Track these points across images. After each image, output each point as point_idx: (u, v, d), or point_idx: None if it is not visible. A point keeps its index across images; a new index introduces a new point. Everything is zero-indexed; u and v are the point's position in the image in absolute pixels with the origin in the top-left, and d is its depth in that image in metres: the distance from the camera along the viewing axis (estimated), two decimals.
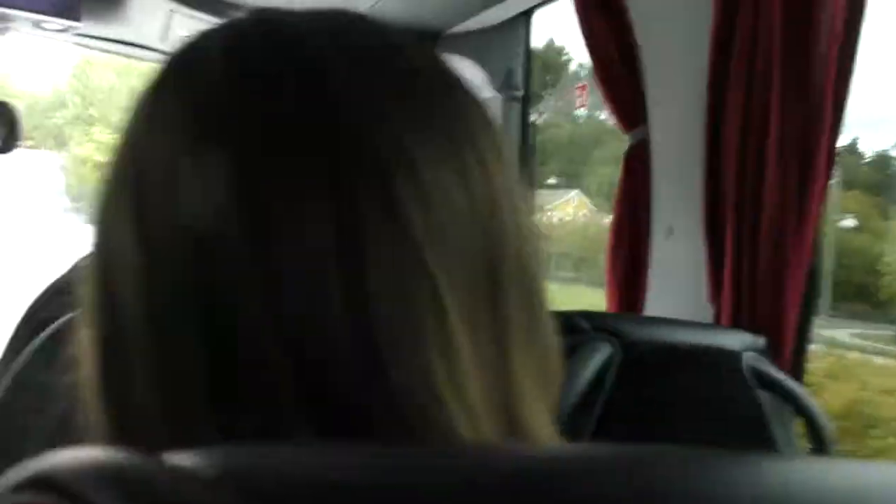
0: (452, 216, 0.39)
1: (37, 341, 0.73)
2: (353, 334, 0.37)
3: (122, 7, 1.80)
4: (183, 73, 0.43)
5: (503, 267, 0.41)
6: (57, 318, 0.73)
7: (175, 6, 1.62)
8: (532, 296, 0.43)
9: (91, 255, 0.43)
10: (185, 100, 0.41)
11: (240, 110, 0.39)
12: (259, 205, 0.37)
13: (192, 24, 1.72)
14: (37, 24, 1.80)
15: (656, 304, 1.46)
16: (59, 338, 0.69)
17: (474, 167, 0.41)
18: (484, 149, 0.42)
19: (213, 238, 0.37)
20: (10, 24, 1.80)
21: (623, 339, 1.07)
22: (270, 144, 0.38)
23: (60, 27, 1.80)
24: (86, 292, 0.43)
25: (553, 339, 0.44)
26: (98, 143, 59.18)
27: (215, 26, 0.45)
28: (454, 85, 0.43)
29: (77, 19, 1.75)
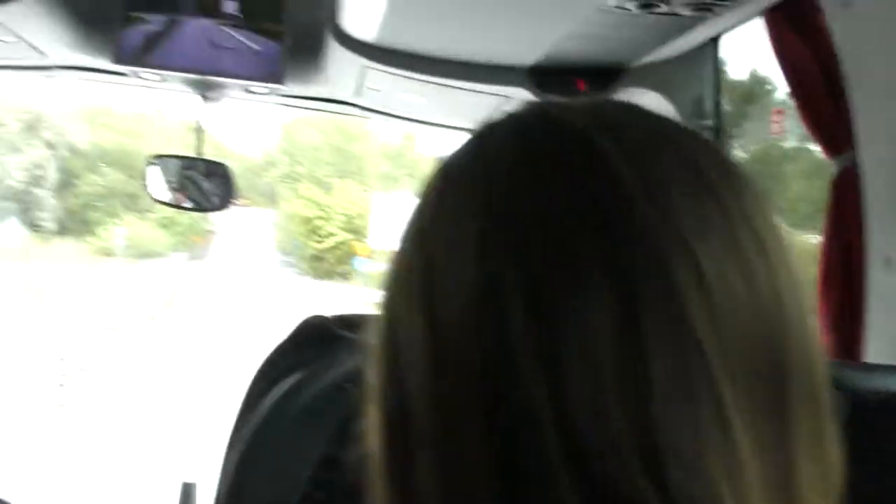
0: (733, 308, 0.39)
1: (274, 397, 0.77)
2: (632, 427, 0.37)
3: (319, 67, 1.94)
4: (470, 163, 0.45)
5: (786, 359, 0.40)
6: (293, 372, 0.77)
7: (367, 62, 1.72)
8: (817, 394, 0.42)
9: (379, 335, 0.45)
10: (472, 190, 0.43)
11: (527, 201, 0.41)
12: (542, 291, 0.38)
13: (383, 78, 1.81)
14: (246, 90, 1.98)
15: (878, 347, 1.34)
16: (296, 396, 0.75)
17: (755, 257, 0.41)
18: (764, 236, 0.42)
19: (498, 323, 0.38)
20: (223, 92, 1.98)
21: (846, 392, 0.97)
22: (555, 234, 0.39)
23: (266, 90, 1.98)
24: (373, 372, 0.45)
25: (836, 448, 0.43)
26: (305, 200, 62.91)
27: (500, 118, 0.47)
28: (733, 174, 0.44)
29: (280, 82, 1.91)
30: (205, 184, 2.07)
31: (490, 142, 0.46)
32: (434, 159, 0.49)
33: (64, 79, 2.08)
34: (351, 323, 0.81)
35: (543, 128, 0.44)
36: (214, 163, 2.13)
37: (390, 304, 0.46)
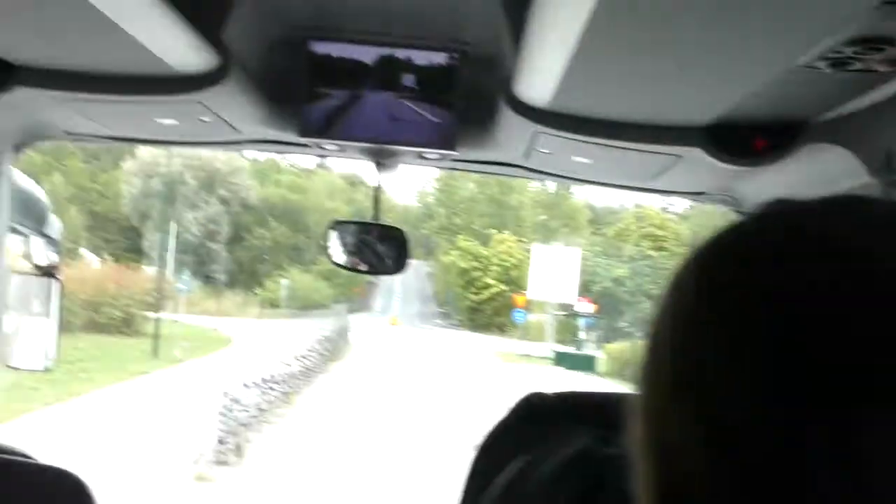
0: None
1: (506, 477, 0.78)
2: None
3: (490, 132, 1.98)
4: (737, 275, 0.45)
5: None
6: (519, 452, 0.79)
7: (539, 127, 1.74)
8: None
9: (641, 432, 0.47)
10: (747, 304, 0.43)
11: (783, 315, 0.41)
12: (794, 409, 0.39)
13: (552, 141, 1.84)
14: (419, 156, 2.05)
15: None
16: (527, 478, 0.76)
17: None
18: None
19: (791, 429, 0.39)
20: (398, 159, 2.07)
21: None
22: (816, 346, 0.40)
23: (439, 157, 2.04)
24: (638, 470, 0.46)
25: None
26: (462, 251, 63.96)
27: (740, 222, 0.48)
28: None
29: (453, 148, 1.97)
30: (380, 248, 2.12)
31: (737, 251, 0.46)
32: (685, 252, 0.49)
33: (253, 150, 2.20)
34: (571, 401, 0.83)
35: (813, 249, 0.43)
36: (390, 227, 2.19)
37: (651, 404, 0.46)
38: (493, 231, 66.46)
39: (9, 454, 1.35)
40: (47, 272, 2.24)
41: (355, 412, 19.67)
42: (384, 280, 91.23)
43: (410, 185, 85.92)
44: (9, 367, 2.20)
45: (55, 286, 2.23)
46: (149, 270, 41.35)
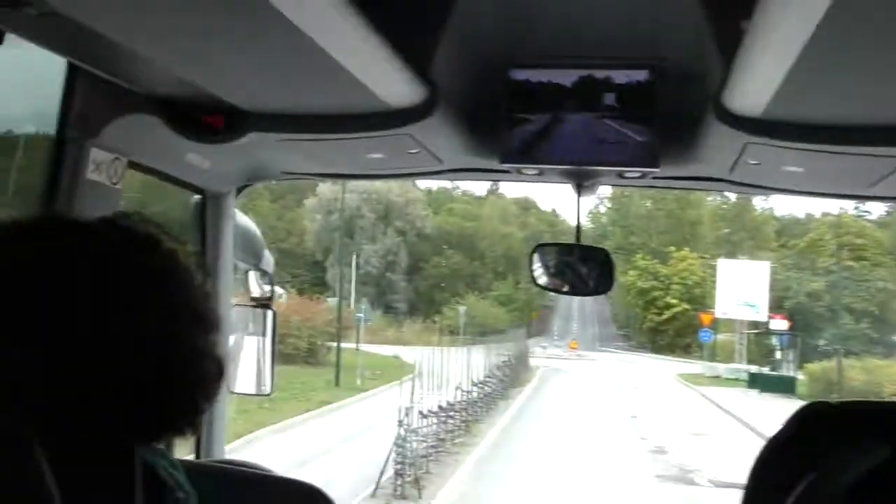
0: None
1: (795, 496, 0.76)
2: None
3: (695, 147, 1.93)
4: None
5: None
6: (805, 467, 0.76)
7: (750, 138, 1.67)
8: None
9: None
10: None
11: None
12: None
13: (764, 151, 1.76)
14: (620, 175, 2.02)
15: None
16: (818, 495, 0.74)
17: None
18: None
19: None
20: (597, 180, 2.04)
21: None
22: None
23: (640, 174, 1.99)
24: None
25: None
26: (641, 271, 62.47)
27: None
28: None
29: (656, 165, 1.91)
30: (582, 269, 2.11)
31: None
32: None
33: (452, 179, 2.32)
34: (857, 411, 0.80)
35: None
36: (592, 248, 2.19)
37: None
38: (672, 248, 64.42)
39: (252, 469, 1.43)
40: (263, 304, 2.37)
41: (540, 440, 19.58)
42: (561, 304, 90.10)
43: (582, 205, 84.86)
44: (232, 392, 2.31)
45: (270, 316, 2.37)
46: (332, 302, 43.16)
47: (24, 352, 0.84)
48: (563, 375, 36.93)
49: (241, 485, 1.16)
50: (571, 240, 2.13)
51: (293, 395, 24.63)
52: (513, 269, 75.84)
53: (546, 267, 2.16)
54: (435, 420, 16.72)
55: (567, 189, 2.06)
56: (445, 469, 15.95)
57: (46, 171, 1.62)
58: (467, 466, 16.42)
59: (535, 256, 2.16)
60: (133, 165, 1.78)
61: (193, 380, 0.95)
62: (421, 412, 15.69)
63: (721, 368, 41.40)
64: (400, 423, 14.14)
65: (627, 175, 2.01)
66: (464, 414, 19.65)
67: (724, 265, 46.47)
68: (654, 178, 2.06)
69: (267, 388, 2.37)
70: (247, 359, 2.31)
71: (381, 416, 17.81)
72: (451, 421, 18.31)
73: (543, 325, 74.45)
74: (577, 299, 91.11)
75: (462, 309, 55.41)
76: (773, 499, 0.76)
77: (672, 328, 61.86)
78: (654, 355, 58.59)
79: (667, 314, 61.82)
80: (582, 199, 2.07)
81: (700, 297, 58.83)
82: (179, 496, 0.97)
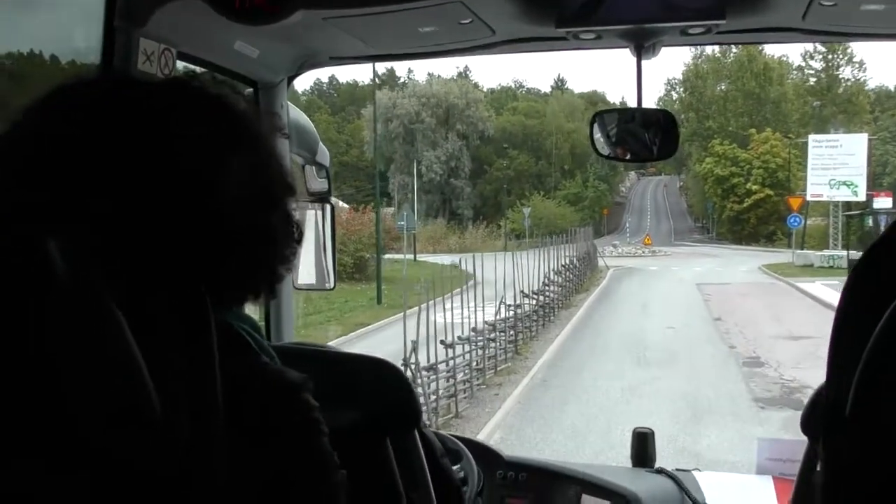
0: None
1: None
2: None
3: None
4: None
5: None
6: None
7: None
8: None
9: None
10: None
11: None
12: None
13: None
14: (683, 32, 1.89)
15: None
16: None
17: None
18: None
19: None
20: (659, 40, 1.90)
21: None
22: None
23: (704, 29, 1.87)
24: None
25: None
26: (718, 157, 57.39)
27: None
28: None
29: (722, 17, 1.80)
30: (644, 134, 2.01)
31: None
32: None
33: (504, 52, 2.17)
34: None
35: None
36: (654, 111, 2.07)
37: None
38: (752, 131, 58.50)
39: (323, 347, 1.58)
40: (322, 198, 2.35)
41: (604, 358, 15.94)
42: (634, 199, 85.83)
43: (651, 95, 78.84)
44: (297, 287, 2.31)
45: (329, 211, 2.34)
46: (387, 212, 39.96)
47: (99, 204, 0.84)
48: (636, 275, 32.79)
49: (314, 361, 1.16)
50: None
51: (331, 317, 21.66)
52: (580, 167, 71.95)
53: (607, 135, 2.05)
54: (468, 347, 13.03)
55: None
56: (482, 409, 12.34)
57: (97, 67, 1.61)
58: (509, 403, 12.74)
59: (595, 125, 2.05)
60: (183, 57, 1.77)
61: (267, 240, 0.97)
62: (443, 341, 11.93)
63: (813, 256, 36.70)
64: (405, 363, 10.39)
65: (691, 31, 1.88)
66: (511, 333, 16.00)
67: (815, 141, 40.85)
68: (720, 32, 1.92)
69: (330, 283, 2.34)
70: (307, 254, 2.26)
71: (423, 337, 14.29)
72: (494, 344, 14.76)
73: (615, 222, 70.27)
74: (649, 193, 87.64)
75: (526, 211, 51.69)
76: (868, 318, 0.70)
77: (753, 216, 56.59)
78: (736, 246, 53.74)
79: (748, 202, 56.44)
80: (644, 62, 1.96)
81: (784, 181, 53.50)
82: (264, 359, 0.98)
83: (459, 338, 12.79)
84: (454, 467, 1.83)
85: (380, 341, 17.82)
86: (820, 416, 0.80)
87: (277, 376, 0.96)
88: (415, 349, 10.67)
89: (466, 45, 2.09)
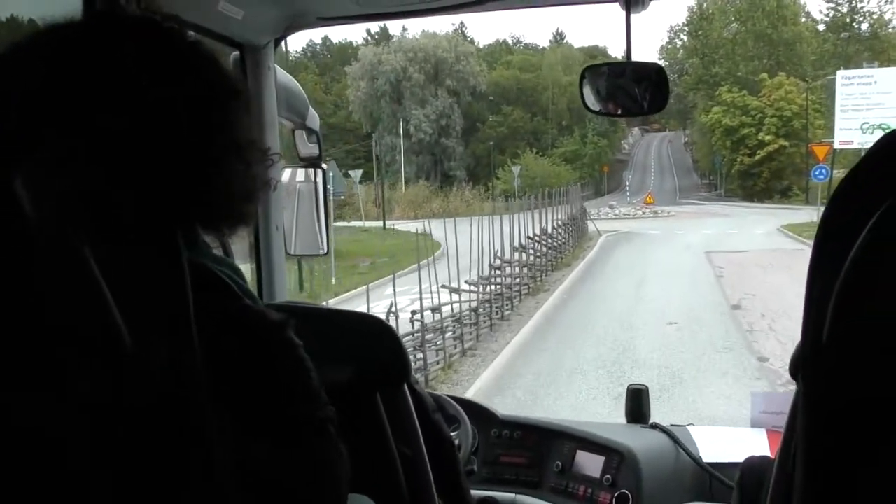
0: None
1: (876, 234, 0.71)
2: None
3: None
4: None
5: None
6: (883, 202, 0.72)
7: None
8: None
9: None
10: None
11: None
12: None
13: None
14: None
15: None
16: None
17: None
18: None
19: None
20: None
21: None
22: None
23: None
24: None
25: None
26: (727, 106, 49.48)
27: None
28: None
29: None
30: (635, 88, 1.94)
31: None
32: None
33: (495, 9, 2.05)
34: None
35: None
36: (643, 64, 1.97)
37: None
38: (764, 76, 51.91)
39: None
40: (313, 163, 2.28)
41: (579, 367, 10.37)
42: (638, 156, 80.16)
43: (653, 45, 71.87)
44: (290, 254, 2.22)
45: (320, 175, 2.28)
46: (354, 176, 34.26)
47: (67, 140, 0.84)
48: (633, 242, 26.89)
49: (303, 317, 1.09)
50: None
51: None
52: (579, 122, 65.95)
53: (597, 90, 1.97)
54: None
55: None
56: None
57: None
58: None
59: (585, 80, 1.97)
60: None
61: (230, 177, 0.95)
62: None
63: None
64: None
65: None
66: (449, 337, 10.57)
67: (845, 78, 34.51)
68: None
69: (323, 248, 2.28)
70: (300, 220, 2.22)
71: None
72: (423, 353, 9.55)
73: (617, 180, 64.29)
74: (653, 150, 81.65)
75: (516, 169, 45.83)
76: (843, 247, 0.71)
77: (766, 170, 50.27)
78: (747, 204, 47.65)
79: (760, 154, 50.06)
80: (633, 15, 1.88)
81: (800, 130, 47.22)
82: (245, 301, 0.97)
83: None
84: (453, 433, 1.88)
85: None
86: (799, 348, 0.79)
87: (259, 317, 0.96)
88: None
89: (457, 2, 2.05)
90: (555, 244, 19.88)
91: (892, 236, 0.68)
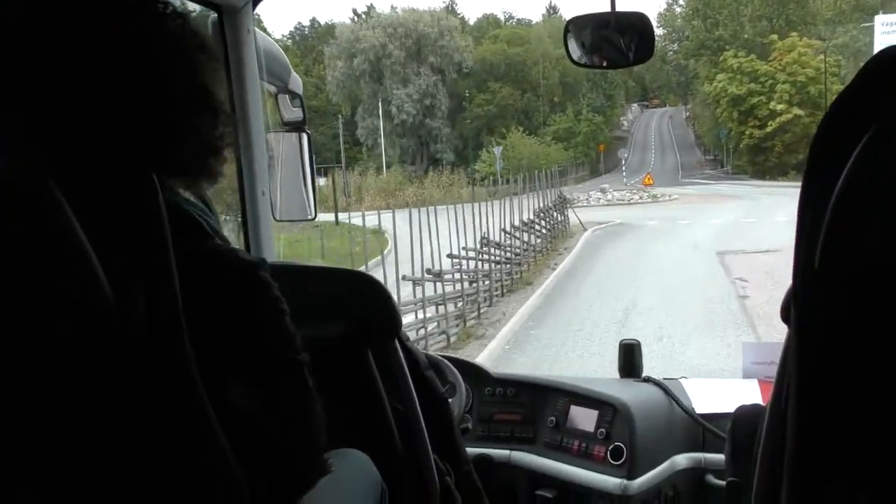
0: None
1: (862, 155, 0.71)
2: None
3: None
4: None
5: None
6: (872, 122, 0.71)
7: None
8: None
9: None
10: None
11: None
12: None
13: None
14: None
15: None
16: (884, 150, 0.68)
17: None
18: None
19: None
20: None
21: None
22: None
23: None
24: None
25: None
26: (733, 73, 42.57)
27: None
28: None
29: None
30: (620, 39, 1.91)
31: None
32: None
33: None
34: None
35: None
36: (628, 15, 1.93)
37: None
38: (774, 37, 45.71)
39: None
40: (297, 127, 2.23)
41: None
42: (637, 133, 74.45)
43: (650, 11, 65.48)
44: (277, 220, 2.17)
45: (305, 140, 2.22)
46: None
47: (44, 87, 0.83)
48: (624, 239, 20.89)
49: (292, 275, 1.08)
50: None
51: None
52: (572, 98, 60.08)
53: (581, 43, 1.96)
54: None
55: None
56: None
57: None
58: None
59: (570, 33, 1.96)
60: None
61: (198, 125, 0.95)
62: None
63: None
64: None
65: None
66: None
67: (886, 24, 28.60)
68: None
69: (311, 213, 2.20)
70: (285, 185, 2.17)
71: None
72: None
73: (615, 160, 58.36)
74: (653, 126, 75.80)
75: (497, 150, 40.00)
76: (837, 158, 0.71)
77: (779, 143, 44.08)
78: (759, 182, 41.65)
79: (771, 125, 43.89)
80: None
81: (816, 97, 41.21)
82: (217, 241, 0.96)
83: None
84: (451, 397, 1.86)
85: None
86: (791, 289, 0.77)
87: (232, 256, 0.96)
88: None
89: None
90: (508, 256, 14.04)
91: (876, 165, 0.67)
